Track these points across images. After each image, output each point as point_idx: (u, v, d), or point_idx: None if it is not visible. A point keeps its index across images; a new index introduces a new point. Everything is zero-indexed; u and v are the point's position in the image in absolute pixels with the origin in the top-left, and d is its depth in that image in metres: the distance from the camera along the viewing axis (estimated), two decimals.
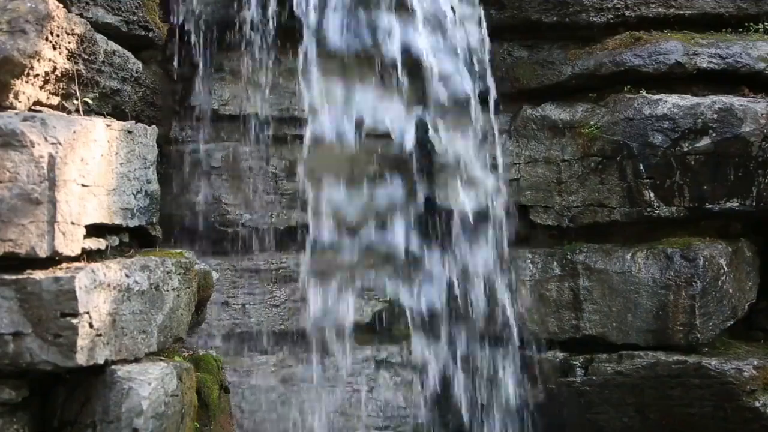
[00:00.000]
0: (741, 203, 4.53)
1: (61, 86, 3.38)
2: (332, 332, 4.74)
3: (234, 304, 4.67)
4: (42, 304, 2.87)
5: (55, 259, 2.97)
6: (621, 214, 4.67)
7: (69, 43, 3.36)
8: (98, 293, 2.98)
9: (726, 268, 4.61)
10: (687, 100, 4.58)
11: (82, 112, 3.43)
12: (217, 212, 4.70)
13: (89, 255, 3.13)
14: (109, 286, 3.03)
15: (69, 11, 3.47)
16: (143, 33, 4.10)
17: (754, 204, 4.54)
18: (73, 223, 3.00)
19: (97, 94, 3.64)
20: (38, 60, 3.18)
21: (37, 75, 3.22)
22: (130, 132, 3.42)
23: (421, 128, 4.84)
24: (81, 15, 3.62)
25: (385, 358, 4.87)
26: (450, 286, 4.81)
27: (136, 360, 3.19)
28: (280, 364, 4.71)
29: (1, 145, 2.89)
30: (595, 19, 4.79)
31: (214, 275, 3.96)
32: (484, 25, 4.74)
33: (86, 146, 3.09)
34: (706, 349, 4.60)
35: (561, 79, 4.86)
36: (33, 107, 3.25)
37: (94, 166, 3.14)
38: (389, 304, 4.91)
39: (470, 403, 4.80)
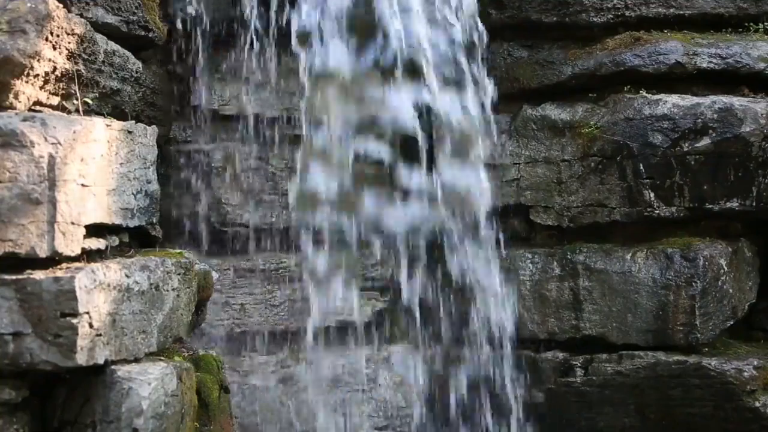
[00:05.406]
0: (741, 203, 4.53)
1: (61, 86, 3.38)
2: (332, 332, 4.74)
3: (234, 304, 4.67)
4: (42, 304, 2.87)
5: (55, 259, 2.97)
6: (621, 214, 4.67)
7: (69, 43, 3.35)
8: (98, 293, 2.98)
9: (726, 268, 4.60)
10: (687, 100, 4.58)
11: (82, 112, 3.43)
12: (217, 212, 4.70)
13: (89, 255, 3.13)
14: (109, 286, 3.03)
15: (69, 11, 3.46)
16: (143, 33, 4.09)
17: (754, 204, 4.54)
18: (73, 223, 3.00)
19: (97, 94, 3.64)
20: (38, 60, 3.17)
21: (37, 75, 3.21)
22: (130, 132, 3.42)
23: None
24: (81, 15, 3.61)
25: (385, 358, 4.87)
26: None
27: (136, 360, 3.19)
28: (280, 364, 4.71)
29: (1, 145, 2.89)
30: (595, 19, 4.79)
31: (214, 275, 3.96)
32: None
33: (86, 146, 3.09)
34: (706, 349, 4.60)
35: (561, 79, 4.86)
36: (33, 107, 3.25)
37: (94, 166, 3.14)
38: (390, 303, 4.91)
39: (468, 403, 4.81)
